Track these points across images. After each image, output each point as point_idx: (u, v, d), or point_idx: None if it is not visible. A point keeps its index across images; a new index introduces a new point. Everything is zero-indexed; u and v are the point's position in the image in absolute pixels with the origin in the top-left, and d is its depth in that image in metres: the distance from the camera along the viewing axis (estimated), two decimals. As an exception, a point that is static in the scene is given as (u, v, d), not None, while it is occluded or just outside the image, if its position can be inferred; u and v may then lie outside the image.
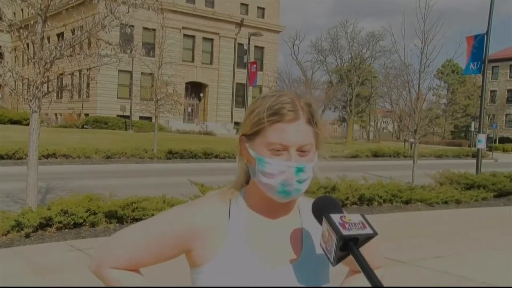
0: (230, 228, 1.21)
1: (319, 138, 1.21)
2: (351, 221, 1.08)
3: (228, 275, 1.17)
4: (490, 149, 38.48)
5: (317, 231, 1.25)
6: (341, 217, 1.09)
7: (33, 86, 7.20)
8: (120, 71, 39.86)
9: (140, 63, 35.50)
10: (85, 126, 39.55)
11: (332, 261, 1.08)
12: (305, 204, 1.29)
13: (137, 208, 7.51)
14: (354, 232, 1.06)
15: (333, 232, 1.06)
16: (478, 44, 15.04)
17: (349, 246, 1.07)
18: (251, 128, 1.19)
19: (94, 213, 7.14)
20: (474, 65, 15.33)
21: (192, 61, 50.37)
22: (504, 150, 50.65)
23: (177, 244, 1.22)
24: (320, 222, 1.12)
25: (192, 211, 1.23)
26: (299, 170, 1.15)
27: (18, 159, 17.21)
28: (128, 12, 7.55)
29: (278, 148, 1.15)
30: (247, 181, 1.28)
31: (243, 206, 1.25)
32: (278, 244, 1.23)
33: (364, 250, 1.10)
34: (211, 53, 51.74)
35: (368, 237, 1.08)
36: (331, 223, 1.07)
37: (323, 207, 1.14)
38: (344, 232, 1.05)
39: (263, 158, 1.16)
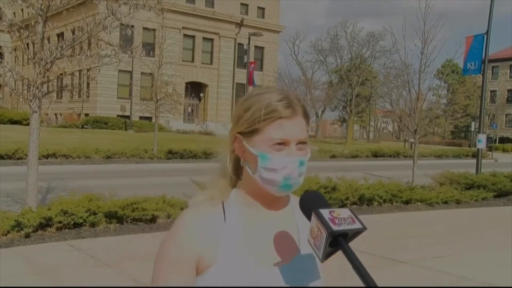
0: (227, 231, 1.21)
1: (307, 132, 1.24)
2: (340, 216, 1.06)
3: (229, 277, 1.16)
4: (490, 149, 38.48)
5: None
6: (330, 212, 1.07)
7: (33, 86, 7.20)
8: (120, 71, 39.82)
9: (140, 63, 35.37)
10: (85, 126, 39.54)
11: (320, 257, 1.07)
12: (295, 200, 1.31)
13: (137, 208, 7.52)
14: (344, 227, 1.04)
15: (323, 228, 1.04)
16: (477, 44, 15.03)
17: (338, 242, 1.05)
18: (249, 126, 1.20)
19: (94, 213, 7.14)
20: (471, 65, 15.32)
21: (192, 61, 50.36)
22: (504, 150, 50.65)
23: (193, 267, 1.20)
24: (309, 218, 1.11)
25: (187, 232, 1.21)
26: (301, 163, 1.18)
27: (18, 159, 17.21)
28: (130, 13, 7.55)
29: (279, 143, 1.17)
30: (237, 180, 1.28)
31: (238, 206, 1.24)
32: (276, 239, 1.24)
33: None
34: (211, 53, 51.73)
35: (357, 232, 1.07)
36: (321, 219, 1.05)
37: (311, 202, 1.13)
38: (335, 228, 1.03)
39: (266, 154, 1.17)
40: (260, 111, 1.18)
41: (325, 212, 1.07)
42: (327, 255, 1.07)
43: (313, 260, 1.24)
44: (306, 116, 1.23)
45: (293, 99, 1.21)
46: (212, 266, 1.18)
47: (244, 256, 1.19)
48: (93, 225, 7.12)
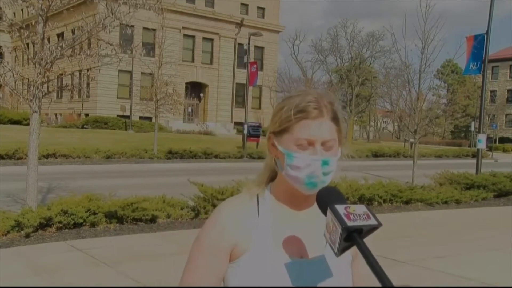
0: (259, 223, 1.28)
1: (341, 135, 1.30)
2: (355, 212, 1.09)
3: (256, 269, 1.24)
4: (490, 149, 38.50)
5: None
6: (345, 208, 1.09)
7: (33, 86, 7.20)
8: (120, 71, 39.84)
9: (140, 63, 35.51)
10: (85, 126, 39.51)
11: (336, 251, 1.09)
12: None
13: (137, 208, 7.52)
14: (358, 223, 1.07)
15: (337, 223, 1.07)
16: (477, 44, 15.01)
17: (353, 237, 1.07)
18: (279, 125, 1.27)
19: (94, 213, 7.14)
20: (473, 65, 15.28)
21: (192, 61, 50.35)
22: (504, 150, 50.67)
23: (226, 254, 1.28)
24: (325, 213, 1.14)
25: (222, 222, 1.29)
26: (325, 163, 1.23)
27: (18, 159, 17.22)
28: (129, 12, 7.55)
29: (305, 143, 1.23)
30: (272, 178, 1.36)
31: (270, 201, 1.33)
32: (304, 236, 1.29)
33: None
34: (211, 53, 51.71)
35: (372, 228, 1.09)
36: (336, 214, 1.08)
37: (327, 198, 1.16)
38: (349, 223, 1.06)
39: (291, 153, 1.24)
40: (289, 111, 1.25)
41: (340, 208, 1.10)
42: (342, 250, 1.10)
43: (337, 259, 1.27)
44: (335, 119, 1.27)
45: (324, 102, 1.26)
46: (244, 255, 1.26)
47: (273, 250, 1.25)
48: (93, 225, 7.12)
